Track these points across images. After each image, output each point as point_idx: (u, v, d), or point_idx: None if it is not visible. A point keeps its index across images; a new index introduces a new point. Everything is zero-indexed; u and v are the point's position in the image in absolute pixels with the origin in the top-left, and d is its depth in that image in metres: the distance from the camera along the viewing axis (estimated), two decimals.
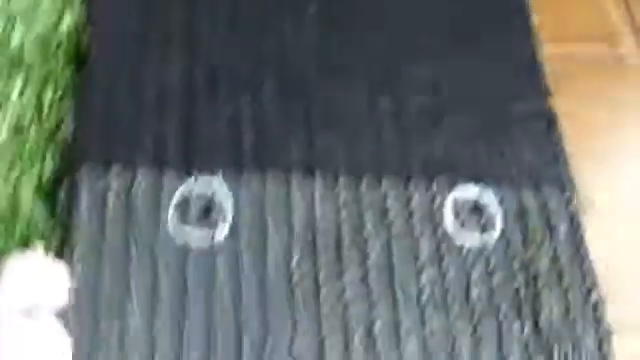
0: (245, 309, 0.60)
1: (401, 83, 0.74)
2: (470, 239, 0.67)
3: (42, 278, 0.56)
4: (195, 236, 0.64)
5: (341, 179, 0.68)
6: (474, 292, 0.64)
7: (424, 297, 0.63)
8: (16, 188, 0.65)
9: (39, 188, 0.66)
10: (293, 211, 0.66)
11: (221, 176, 0.67)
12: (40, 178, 0.66)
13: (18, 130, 0.68)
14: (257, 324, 0.60)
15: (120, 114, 0.69)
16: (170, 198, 0.65)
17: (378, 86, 0.74)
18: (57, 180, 0.66)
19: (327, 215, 0.66)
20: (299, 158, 0.68)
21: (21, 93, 0.70)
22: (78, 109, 0.69)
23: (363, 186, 0.68)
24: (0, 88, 0.69)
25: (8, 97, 0.69)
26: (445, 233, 0.67)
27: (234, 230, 0.65)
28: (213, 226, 0.64)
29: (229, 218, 0.65)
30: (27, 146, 0.67)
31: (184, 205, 0.65)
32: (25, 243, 0.63)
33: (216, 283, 0.62)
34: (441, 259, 0.65)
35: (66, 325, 0.57)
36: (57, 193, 0.65)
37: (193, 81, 0.72)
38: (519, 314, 0.63)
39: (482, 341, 0.62)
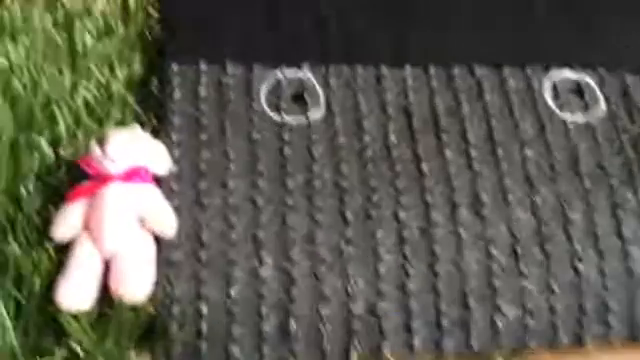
0: (346, 181, 0.59)
1: None
2: (573, 116, 0.64)
3: (143, 146, 0.56)
4: (290, 114, 0.63)
5: (432, 68, 0.67)
6: (582, 164, 0.61)
7: (531, 169, 0.60)
8: (108, 82, 0.65)
9: (130, 84, 0.66)
10: (385, 98, 0.64)
11: (309, 67, 0.67)
12: (130, 75, 0.66)
13: (106, 32, 0.70)
14: (360, 196, 0.58)
15: (205, 11, 0.68)
16: (261, 84, 0.65)
17: None
18: (147, 77, 0.67)
19: (420, 100, 0.65)
20: (387, 49, 0.67)
21: (106, 1, 0.71)
22: (164, 11, 0.69)
23: (455, 73, 0.66)
24: None
25: (94, 3, 0.71)
26: (546, 111, 0.64)
27: (327, 111, 0.63)
28: (306, 106, 0.63)
29: (321, 101, 0.64)
30: (116, 46, 0.68)
31: (276, 89, 0.65)
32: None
33: (315, 156, 0.60)
34: (545, 133, 0.63)
35: (167, 193, 0.56)
36: (148, 88, 0.66)
37: None
38: (631, 184, 0.60)
39: (595, 210, 0.58)
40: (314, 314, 0.53)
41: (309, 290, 0.54)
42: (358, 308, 0.53)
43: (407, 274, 0.55)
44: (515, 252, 0.56)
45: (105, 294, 0.52)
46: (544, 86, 0.67)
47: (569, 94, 0.66)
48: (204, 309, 0.53)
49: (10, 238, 0.55)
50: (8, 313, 0.51)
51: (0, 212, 0.56)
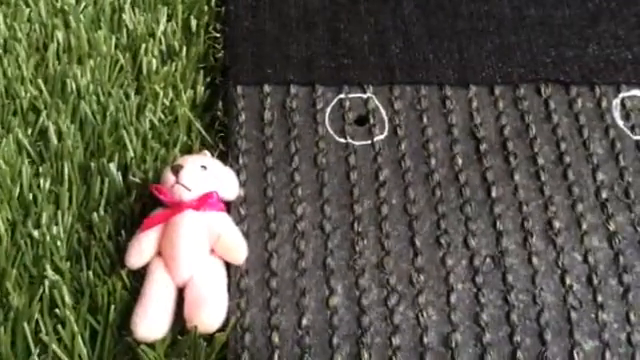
0: (414, 206, 0.58)
1: None
2: None
3: (214, 173, 0.56)
4: (355, 136, 0.62)
5: (497, 88, 0.66)
6: None
7: (604, 193, 0.59)
8: (173, 104, 0.65)
9: (194, 106, 0.66)
10: (450, 119, 0.64)
11: (372, 89, 0.66)
12: (194, 99, 0.66)
13: (169, 54, 0.70)
14: (429, 221, 0.57)
15: (268, 35, 0.69)
16: (325, 106, 0.64)
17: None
18: (211, 100, 0.67)
19: (486, 122, 0.64)
20: (450, 71, 0.66)
21: (168, 22, 0.72)
22: (228, 33, 0.69)
23: (521, 93, 0.66)
24: (148, 19, 0.72)
25: (156, 26, 0.71)
26: (618, 131, 0.62)
27: (392, 133, 0.63)
28: (371, 128, 0.63)
29: (386, 123, 0.64)
30: (180, 68, 0.68)
31: (340, 111, 0.64)
32: (187, 151, 0.63)
33: (381, 181, 0.59)
34: (617, 156, 0.61)
35: (236, 218, 0.57)
36: (213, 111, 0.66)
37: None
38: None
39: None
40: (386, 344, 0.53)
41: (380, 320, 0.54)
42: (431, 339, 0.53)
43: (480, 304, 0.54)
44: (591, 282, 0.55)
45: (177, 320, 0.53)
46: (614, 105, 0.65)
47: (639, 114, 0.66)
48: (275, 339, 0.53)
49: (84, 265, 0.56)
50: (84, 340, 0.52)
51: (74, 239, 0.58)
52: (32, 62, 0.69)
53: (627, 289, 0.54)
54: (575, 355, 0.52)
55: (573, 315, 0.53)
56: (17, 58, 0.69)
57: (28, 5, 0.74)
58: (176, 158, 0.60)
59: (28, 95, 0.67)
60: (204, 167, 0.55)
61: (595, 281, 0.55)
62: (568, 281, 0.55)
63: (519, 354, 0.52)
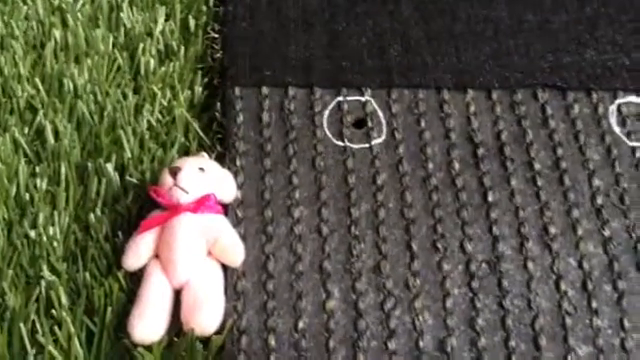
0: (411, 210, 0.58)
1: (544, 0, 0.72)
2: None
3: (212, 176, 0.56)
4: (353, 139, 0.62)
5: (494, 93, 0.66)
6: None
7: (600, 199, 0.59)
8: (171, 105, 0.65)
9: (192, 106, 0.66)
10: (448, 123, 0.64)
11: (370, 92, 0.66)
12: (192, 99, 0.66)
13: (167, 54, 0.70)
14: (425, 225, 0.57)
15: (266, 36, 0.69)
16: (323, 109, 0.64)
17: (520, 2, 0.72)
18: (209, 101, 0.67)
19: (484, 126, 0.64)
20: (448, 75, 0.66)
21: (166, 22, 0.71)
22: (226, 34, 0.69)
23: (518, 98, 0.66)
24: (146, 18, 0.71)
25: (154, 25, 0.71)
26: (614, 138, 0.63)
27: (390, 136, 0.63)
28: (369, 132, 0.63)
29: (384, 126, 0.64)
30: (177, 68, 0.68)
31: (338, 114, 0.64)
32: (184, 153, 0.63)
33: (378, 184, 0.60)
34: (613, 162, 0.61)
35: (233, 220, 0.57)
36: (210, 112, 0.65)
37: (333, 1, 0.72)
38: None
39: None
40: (382, 348, 0.53)
41: (376, 324, 0.54)
42: (426, 343, 0.53)
43: (475, 309, 0.54)
44: (586, 288, 0.55)
45: (174, 322, 0.53)
46: (610, 111, 0.65)
47: (636, 121, 0.65)
48: (272, 341, 0.53)
49: (80, 266, 0.56)
50: (80, 342, 0.52)
51: (71, 239, 0.58)
52: (29, 60, 0.69)
53: (621, 295, 0.55)
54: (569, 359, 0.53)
55: (568, 320, 0.53)
56: (14, 56, 0.69)
57: (25, 3, 0.74)
58: (174, 160, 0.60)
59: (25, 94, 0.66)
60: (202, 169, 0.55)
61: (590, 287, 0.55)
62: (563, 287, 0.55)
63: (514, 359, 0.52)
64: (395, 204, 0.59)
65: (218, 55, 0.69)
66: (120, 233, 0.57)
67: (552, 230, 0.58)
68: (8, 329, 0.53)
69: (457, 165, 0.61)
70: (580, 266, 0.56)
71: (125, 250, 0.53)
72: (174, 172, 0.54)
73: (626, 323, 0.53)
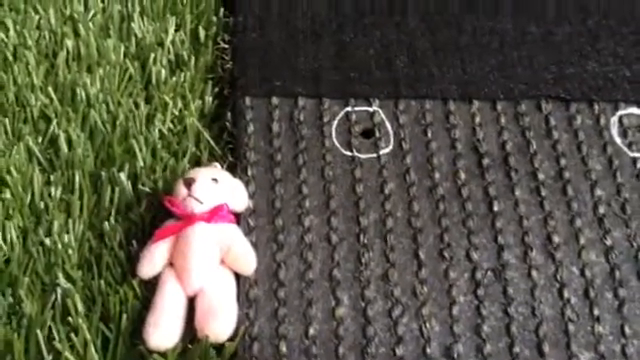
0: (418, 220, 0.60)
1: (548, 13, 0.73)
2: None
3: (225, 186, 0.57)
4: (361, 149, 0.64)
5: (499, 104, 0.67)
6: None
7: (602, 209, 0.61)
8: (182, 114, 0.66)
9: (202, 117, 0.67)
10: (454, 134, 0.65)
11: (378, 103, 0.68)
12: (202, 109, 0.68)
13: (178, 64, 0.71)
14: (432, 234, 0.59)
15: (275, 47, 0.70)
16: (332, 119, 0.66)
17: (524, 15, 0.73)
18: (219, 110, 0.68)
19: (489, 137, 0.65)
20: (454, 86, 0.68)
21: (176, 32, 0.73)
22: (236, 45, 0.70)
23: (522, 109, 0.67)
24: (157, 28, 0.73)
25: (165, 35, 0.72)
26: (616, 148, 0.64)
27: (397, 146, 0.64)
28: (376, 142, 0.64)
29: (391, 136, 0.65)
30: (188, 78, 0.69)
31: (347, 124, 0.65)
32: (195, 162, 0.64)
33: (386, 194, 0.61)
34: (614, 172, 0.63)
35: (244, 229, 0.58)
36: (221, 122, 0.67)
37: (340, 10, 0.73)
38: None
39: None
40: (390, 355, 0.54)
41: (385, 330, 0.55)
42: (433, 350, 0.54)
43: (481, 316, 0.56)
44: (588, 296, 0.57)
45: (188, 330, 0.54)
46: (612, 122, 0.67)
47: (637, 132, 0.66)
48: (283, 348, 0.54)
49: (95, 273, 0.57)
50: (96, 348, 0.53)
51: (85, 247, 0.59)
52: (42, 70, 0.70)
53: (622, 302, 0.56)
54: None
55: (570, 327, 0.55)
56: (27, 66, 0.70)
57: (37, 12, 0.75)
58: (187, 170, 0.61)
59: (39, 103, 0.68)
60: (215, 180, 0.57)
61: (592, 295, 0.57)
62: (566, 294, 0.56)
63: None
64: (402, 213, 0.60)
65: (228, 65, 0.70)
66: (134, 241, 0.58)
67: (555, 239, 0.59)
68: (25, 336, 0.54)
69: (463, 175, 0.63)
70: (582, 274, 0.58)
71: (140, 258, 0.55)
72: (188, 183, 0.55)
73: (627, 330, 0.55)
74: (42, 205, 0.61)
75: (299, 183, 0.62)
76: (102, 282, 0.56)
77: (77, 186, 0.62)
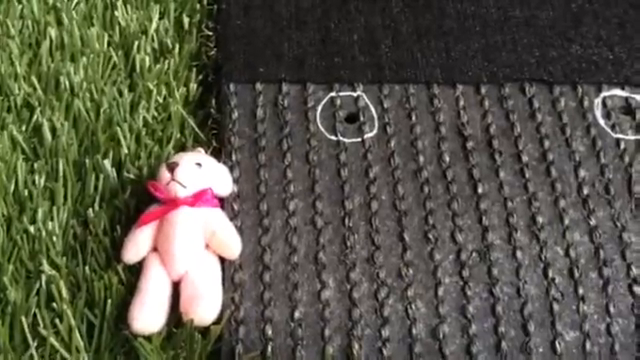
0: (403, 202, 0.60)
1: None
2: (625, 136, 0.65)
3: (209, 170, 0.57)
4: (345, 134, 0.64)
5: (483, 87, 0.68)
6: (637, 185, 0.62)
7: (586, 189, 0.61)
8: (167, 102, 0.66)
9: (187, 104, 0.67)
10: (438, 117, 0.65)
11: (362, 88, 0.68)
12: (187, 96, 0.67)
13: (162, 52, 0.71)
14: (417, 217, 0.59)
15: (259, 33, 0.70)
16: (316, 105, 0.66)
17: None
18: (204, 97, 0.68)
19: (473, 120, 0.65)
20: (438, 70, 0.68)
21: (160, 20, 0.73)
22: (220, 31, 0.70)
23: (506, 92, 0.67)
24: (140, 16, 0.72)
25: (149, 24, 0.72)
26: (599, 130, 0.64)
27: (381, 131, 0.64)
28: (361, 126, 0.64)
29: (375, 121, 0.65)
30: (172, 65, 0.69)
31: (331, 109, 0.66)
32: (180, 148, 0.64)
33: (371, 177, 0.61)
34: (598, 153, 0.63)
35: (229, 214, 0.58)
36: (205, 109, 0.67)
37: None
38: None
39: None
40: (376, 336, 0.55)
41: (370, 312, 0.55)
42: (419, 331, 0.55)
43: (466, 297, 0.56)
44: (572, 275, 0.57)
45: (173, 313, 0.54)
46: (595, 104, 0.67)
47: (620, 113, 0.67)
48: (269, 331, 0.54)
49: (80, 260, 0.57)
50: (81, 334, 0.53)
51: (70, 234, 0.59)
52: (25, 59, 0.70)
53: (607, 282, 0.56)
54: (557, 345, 0.54)
55: (555, 307, 0.55)
56: (10, 55, 0.70)
57: (20, 2, 0.75)
58: (171, 155, 0.61)
59: (22, 92, 0.67)
60: (199, 164, 0.57)
61: (576, 274, 0.57)
62: (550, 274, 0.57)
63: (503, 344, 0.54)
64: (387, 196, 0.60)
65: (212, 52, 0.70)
66: (118, 227, 0.58)
67: (540, 220, 0.60)
68: (10, 323, 0.54)
69: (447, 158, 0.63)
70: (567, 254, 0.58)
71: (124, 244, 0.55)
72: (172, 167, 0.55)
73: (611, 309, 0.55)
74: (26, 193, 0.61)
75: (284, 168, 0.62)
76: (87, 268, 0.56)
77: (61, 174, 0.62)
